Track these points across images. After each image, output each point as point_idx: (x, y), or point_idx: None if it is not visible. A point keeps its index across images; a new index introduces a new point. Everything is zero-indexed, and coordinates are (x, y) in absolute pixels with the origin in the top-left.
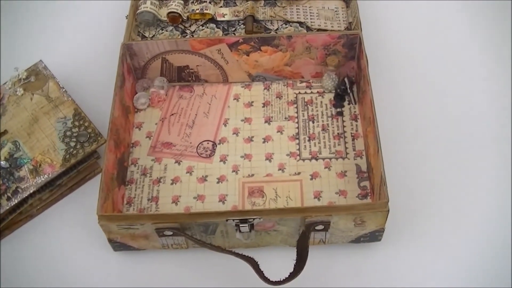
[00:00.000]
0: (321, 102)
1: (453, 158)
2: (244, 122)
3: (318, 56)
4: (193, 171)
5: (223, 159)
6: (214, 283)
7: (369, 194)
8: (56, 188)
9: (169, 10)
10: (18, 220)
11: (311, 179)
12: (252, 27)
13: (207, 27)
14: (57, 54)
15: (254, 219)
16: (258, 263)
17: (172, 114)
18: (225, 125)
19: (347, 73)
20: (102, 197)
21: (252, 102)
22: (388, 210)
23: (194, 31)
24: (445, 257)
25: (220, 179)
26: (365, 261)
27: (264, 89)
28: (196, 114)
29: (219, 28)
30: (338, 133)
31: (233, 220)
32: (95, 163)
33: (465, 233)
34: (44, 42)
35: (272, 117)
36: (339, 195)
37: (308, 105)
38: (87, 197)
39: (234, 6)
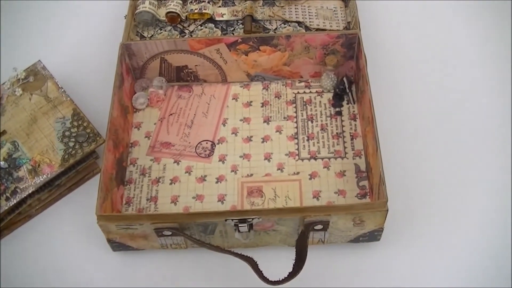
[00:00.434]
0: (320, 101)
1: (452, 157)
2: (243, 122)
3: (317, 55)
4: (192, 171)
5: (222, 159)
6: (213, 283)
7: (368, 194)
8: (55, 188)
9: (168, 10)
10: (17, 220)
11: (310, 178)
12: (250, 27)
13: (206, 27)
14: (56, 54)
15: (253, 219)
16: (257, 263)
17: (171, 114)
18: (224, 125)
19: (346, 73)
20: (101, 197)
21: (251, 102)
22: (387, 210)
23: (192, 31)
24: (444, 257)
25: (219, 179)
26: (364, 260)
27: (263, 89)
28: (195, 114)
29: (217, 28)
30: (337, 133)
31: (232, 220)
32: (94, 163)
33: (465, 233)
34: (42, 42)
35: (271, 117)
36: (338, 195)
37: (307, 105)
38: (86, 197)
39: (232, 6)
